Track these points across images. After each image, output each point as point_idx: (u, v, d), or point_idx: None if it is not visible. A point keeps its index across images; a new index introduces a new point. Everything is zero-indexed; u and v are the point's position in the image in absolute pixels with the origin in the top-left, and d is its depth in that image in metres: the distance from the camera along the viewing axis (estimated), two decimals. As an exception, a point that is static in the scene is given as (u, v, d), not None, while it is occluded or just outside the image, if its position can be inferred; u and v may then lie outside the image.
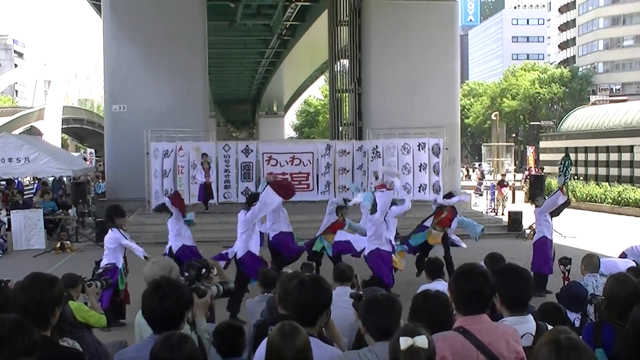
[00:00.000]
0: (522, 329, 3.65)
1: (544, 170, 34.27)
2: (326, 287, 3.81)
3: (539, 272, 11.73)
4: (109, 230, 9.95)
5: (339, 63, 31.62)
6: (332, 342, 4.08)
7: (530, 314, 3.79)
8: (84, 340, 5.38)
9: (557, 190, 12.49)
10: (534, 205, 13.17)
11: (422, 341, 2.83)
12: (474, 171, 33.42)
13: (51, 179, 25.74)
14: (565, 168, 13.64)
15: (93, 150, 40.34)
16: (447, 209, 13.21)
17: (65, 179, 25.55)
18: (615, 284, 4.26)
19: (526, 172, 34.72)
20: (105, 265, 8.77)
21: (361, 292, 4.99)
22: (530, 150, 37.67)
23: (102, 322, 6.20)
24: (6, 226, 18.60)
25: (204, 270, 4.67)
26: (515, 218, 20.31)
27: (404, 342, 2.83)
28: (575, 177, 34.27)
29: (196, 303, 4.15)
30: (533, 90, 77.86)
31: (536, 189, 21.52)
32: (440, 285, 5.82)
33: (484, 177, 29.49)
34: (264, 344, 3.57)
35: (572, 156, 37.56)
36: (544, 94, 77.71)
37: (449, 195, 13.46)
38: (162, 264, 4.22)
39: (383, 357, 3.32)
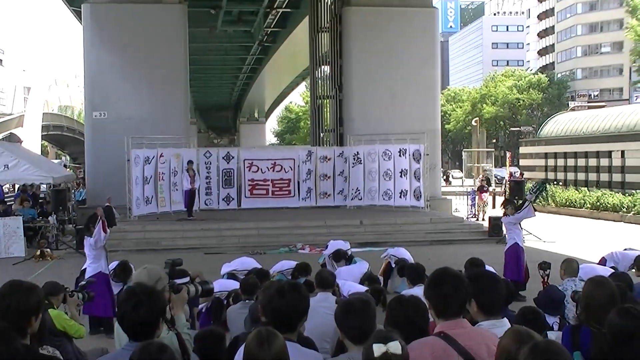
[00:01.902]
0: (498, 332, 3.68)
1: (524, 176, 34.50)
2: (304, 294, 3.82)
3: (513, 279, 11.76)
4: (85, 239, 9.91)
5: (319, 69, 31.67)
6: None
7: (505, 318, 3.82)
8: (64, 349, 5.36)
9: (528, 204, 12.55)
10: (503, 212, 13.27)
11: (395, 347, 2.84)
12: (479, 175, 33.34)
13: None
14: (538, 191, 13.75)
15: (63, 159, 40.03)
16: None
17: (28, 185, 25.14)
18: (593, 287, 4.27)
19: (506, 178, 34.91)
20: (88, 278, 8.72)
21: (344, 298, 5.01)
22: (507, 155, 38.02)
23: (81, 332, 6.15)
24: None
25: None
26: (496, 223, 20.36)
27: (377, 349, 2.84)
28: (555, 183, 34.52)
29: (173, 299, 4.17)
30: (512, 96, 78.46)
31: (516, 195, 21.60)
32: (421, 291, 5.85)
33: (490, 184, 29.38)
34: (240, 351, 3.60)
35: (552, 162, 37.98)
36: (524, 100, 78.35)
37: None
38: (152, 272, 4.21)
39: None
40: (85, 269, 9.89)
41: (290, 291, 3.77)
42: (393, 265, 12.19)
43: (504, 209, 13.25)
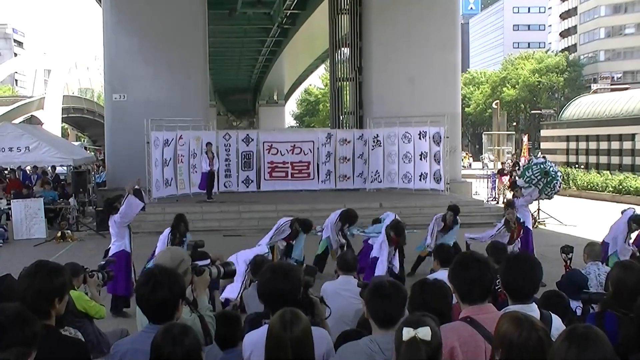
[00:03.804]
0: None
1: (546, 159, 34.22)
2: (296, 276, 3.83)
3: None
4: (110, 217, 10.02)
5: (339, 52, 31.49)
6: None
7: (533, 303, 3.74)
8: (85, 330, 5.36)
9: (534, 188, 12.58)
10: (512, 194, 13.16)
11: (424, 333, 2.78)
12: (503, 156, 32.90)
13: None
14: (548, 183, 13.67)
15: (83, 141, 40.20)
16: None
17: (28, 168, 25.25)
18: (622, 271, 4.13)
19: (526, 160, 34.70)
20: (109, 257, 8.77)
21: (367, 282, 4.95)
22: (524, 138, 37.88)
23: (101, 313, 6.17)
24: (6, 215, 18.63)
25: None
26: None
27: (406, 333, 2.80)
28: (576, 166, 34.26)
29: (195, 281, 4.15)
30: (533, 79, 77.73)
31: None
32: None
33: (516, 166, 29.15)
34: (253, 335, 3.65)
35: (573, 145, 37.68)
36: (544, 83, 77.60)
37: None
38: (175, 253, 4.18)
39: (385, 347, 3.30)
40: (109, 248, 10.01)
41: (281, 273, 3.77)
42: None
43: (512, 192, 13.12)
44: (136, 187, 10.37)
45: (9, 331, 2.77)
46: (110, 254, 9.73)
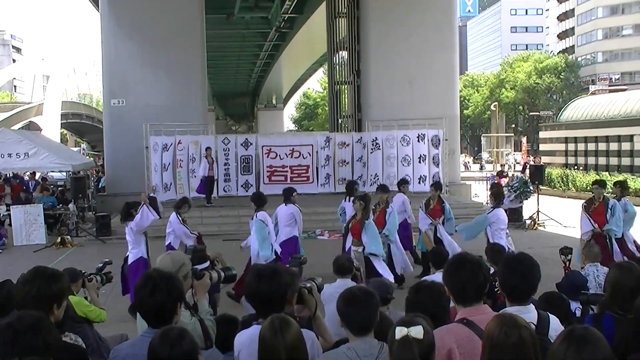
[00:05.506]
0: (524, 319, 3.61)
1: (542, 161, 34.28)
2: (281, 275, 3.81)
3: None
4: (126, 224, 10.14)
5: (337, 55, 31.55)
6: (320, 336, 4.07)
7: (531, 304, 3.74)
8: (85, 335, 5.36)
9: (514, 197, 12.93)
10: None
11: (416, 331, 2.81)
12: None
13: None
14: (519, 191, 14.03)
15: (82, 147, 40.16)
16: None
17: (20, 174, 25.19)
18: (619, 272, 4.11)
19: (523, 162, 34.76)
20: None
21: (364, 285, 4.96)
22: (523, 140, 37.96)
23: (102, 317, 6.18)
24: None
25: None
26: (515, 209, 20.25)
27: (399, 332, 2.82)
28: (575, 167, 34.28)
29: (195, 285, 4.16)
30: (531, 81, 77.80)
31: (536, 180, 21.42)
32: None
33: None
34: (241, 335, 3.67)
35: (572, 146, 37.71)
36: (541, 85, 77.69)
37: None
38: (175, 257, 4.19)
39: (363, 354, 3.31)
40: (127, 255, 10.09)
41: (268, 276, 3.76)
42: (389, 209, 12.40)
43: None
44: (151, 194, 10.50)
45: (27, 340, 2.77)
46: (129, 262, 9.90)
